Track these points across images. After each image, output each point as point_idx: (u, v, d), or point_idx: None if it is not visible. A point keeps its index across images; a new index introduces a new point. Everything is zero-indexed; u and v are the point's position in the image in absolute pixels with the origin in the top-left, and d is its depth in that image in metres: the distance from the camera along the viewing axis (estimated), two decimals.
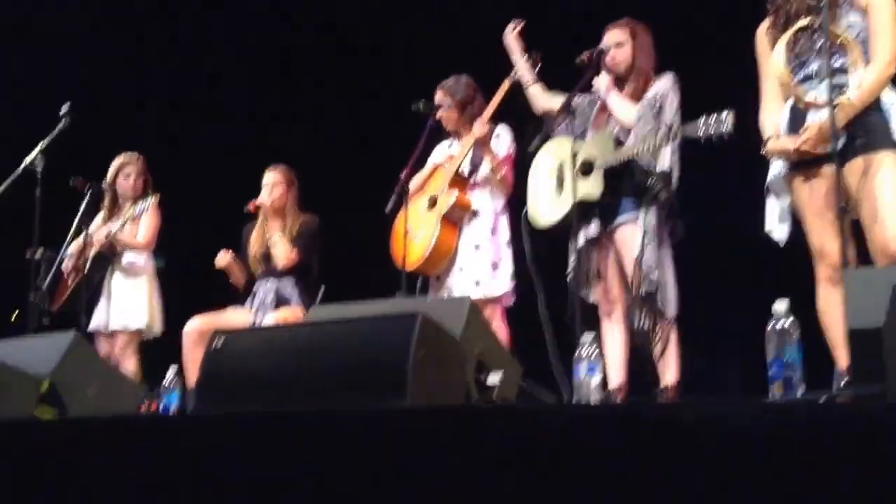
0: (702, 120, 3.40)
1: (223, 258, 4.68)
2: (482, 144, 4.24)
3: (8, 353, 3.07)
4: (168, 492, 2.12)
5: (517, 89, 4.24)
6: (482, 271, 4.16)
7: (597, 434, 1.73)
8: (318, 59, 6.22)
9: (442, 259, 4.21)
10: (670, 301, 3.60)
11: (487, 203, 4.27)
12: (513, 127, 4.36)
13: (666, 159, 3.61)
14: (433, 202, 4.30)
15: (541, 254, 3.84)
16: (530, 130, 3.80)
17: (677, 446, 1.62)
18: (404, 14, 5.82)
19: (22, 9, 6.23)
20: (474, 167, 4.33)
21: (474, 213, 4.25)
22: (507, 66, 4.28)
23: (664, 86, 3.68)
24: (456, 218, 4.23)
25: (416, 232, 4.24)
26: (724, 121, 3.33)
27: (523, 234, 3.87)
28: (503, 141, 4.31)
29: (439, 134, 4.45)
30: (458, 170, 4.29)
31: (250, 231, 4.83)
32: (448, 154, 4.44)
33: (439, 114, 4.33)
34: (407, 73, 5.52)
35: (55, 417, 2.95)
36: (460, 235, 4.23)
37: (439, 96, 4.36)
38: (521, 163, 4.10)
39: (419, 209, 4.33)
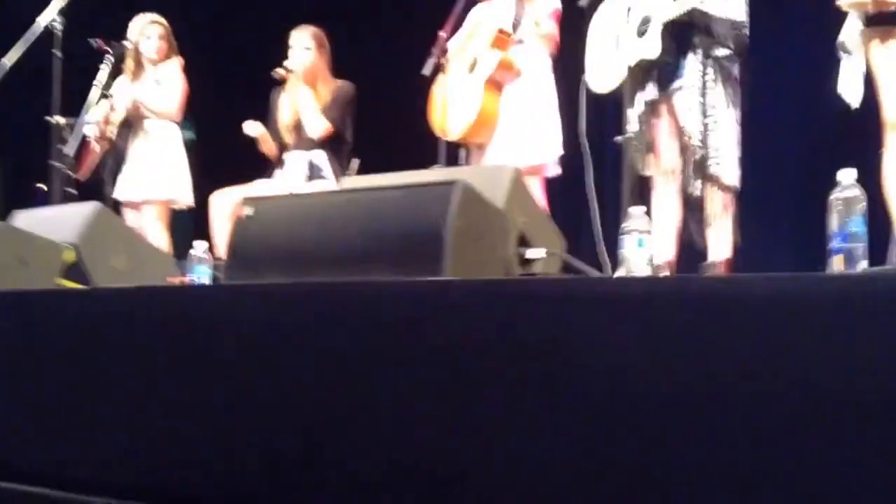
0: None
1: (254, 128, 4.55)
2: None
3: (32, 223, 3.05)
4: (196, 366, 2.10)
5: None
6: (525, 138, 3.99)
7: (639, 310, 1.66)
8: None
9: (486, 126, 4.03)
10: (728, 167, 3.43)
11: (531, 63, 4.06)
12: None
13: (731, 8, 3.40)
14: (474, 64, 4.10)
15: (594, 123, 3.67)
16: None
17: (726, 323, 1.54)
18: None
19: None
20: (516, 23, 4.09)
21: (517, 74, 4.05)
22: None
23: None
24: (500, 80, 4.03)
25: (456, 98, 4.08)
26: None
27: (580, 102, 3.67)
28: None
29: None
30: (500, 27, 4.06)
31: (278, 97, 4.69)
32: (488, 10, 4.20)
33: None
34: None
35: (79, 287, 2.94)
36: (504, 98, 4.03)
37: None
38: (574, 20, 3.87)
39: (459, 73, 4.15)
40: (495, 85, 4.03)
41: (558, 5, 4.06)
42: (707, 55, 3.44)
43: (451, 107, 4.05)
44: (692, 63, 3.47)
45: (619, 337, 1.65)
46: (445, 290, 1.95)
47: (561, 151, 4.03)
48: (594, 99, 3.70)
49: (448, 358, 1.82)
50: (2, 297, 2.59)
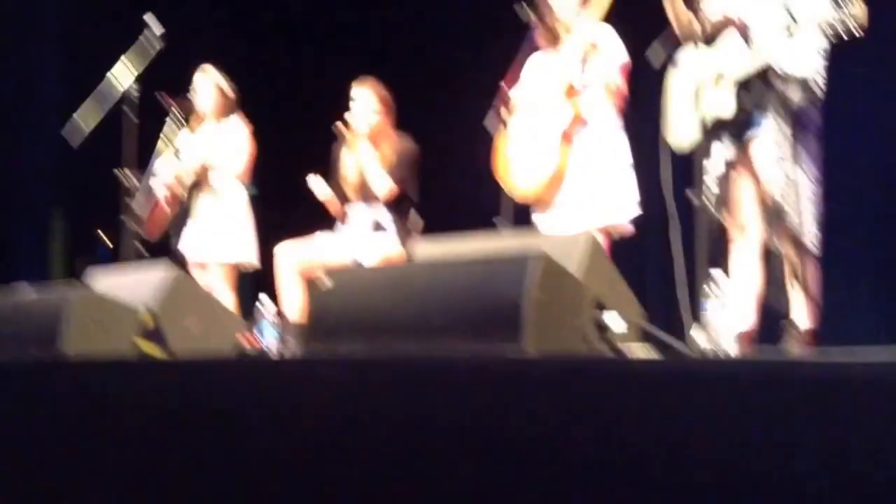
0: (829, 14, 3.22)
1: (319, 187, 4.61)
2: (593, 48, 3.96)
3: (110, 284, 3.20)
4: (274, 434, 2.19)
5: None
6: (593, 196, 3.94)
7: (718, 391, 1.70)
8: None
9: (559, 184, 3.98)
10: (807, 225, 3.43)
11: (600, 117, 4.00)
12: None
13: (804, 64, 3.43)
14: (545, 118, 4.05)
15: (675, 181, 3.66)
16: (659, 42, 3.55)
17: (811, 407, 1.58)
18: None
19: None
20: (583, 75, 4.04)
21: (590, 131, 3.99)
22: None
23: None
24: (572, 135, 3.98)
25: (526, 152, 4.05)
26: (854, 14, 3.14)
27: (661, 159, 3.63)
28: (616, 45, 4.02)
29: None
30: (571, 81, 4.01)
31: (340, 153, 4.72)
32: (547, 64, 4.15)
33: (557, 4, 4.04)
34: None
35: (157, 352, 3.06)
36: (574, 154, 3.98)
37: None
38: (649, 78, 3.90)
39: (527, 127, 4.11)
40: (569, 140, 3.99)
41: (626, 59, 4.03)
42: (783, 111, 3.47)
43: (519, 161, 4.05)
44: (769, 119, 3.51)
45: (707, 418, 1.70)
46: (525, 366, 2.01)
47: (638, 211, 4.00)
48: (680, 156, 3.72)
49: (525, 433, 1.88)
50: (84, 364, 2.72)
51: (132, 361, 2.80)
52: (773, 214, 3.48)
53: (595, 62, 4.00)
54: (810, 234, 3.46)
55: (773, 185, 3.46)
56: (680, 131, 3.71)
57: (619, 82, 4.00)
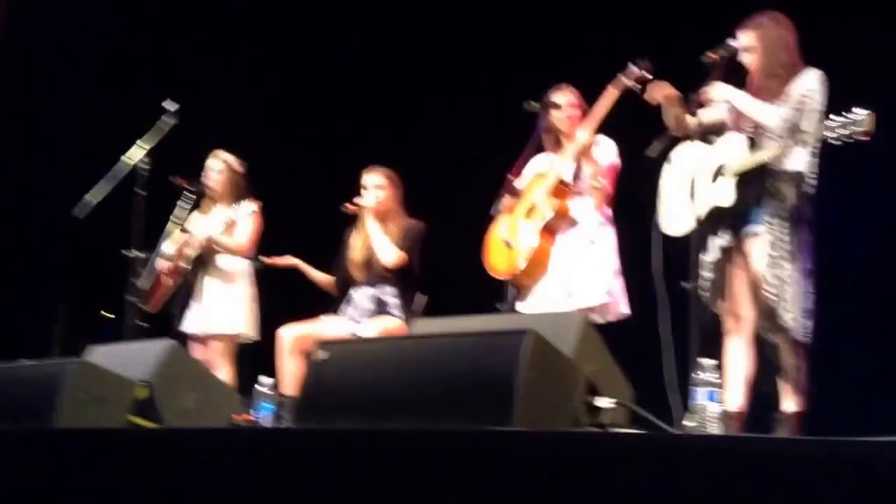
0: (834, 120, 3.29)
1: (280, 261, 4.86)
2: (585, 153, 4.19)
3: (107, 358, 3.19)
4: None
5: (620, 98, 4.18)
6: (575, 282, 4.13)
7: (713, 468, 1.70)
8: (415, 60, 6.28)
9: (540, 271, 4.19)
10: (797, 320, 3.48)
11: (587, 213, 4.24)
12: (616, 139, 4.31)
13: (799, 161, 3.52)
14: (530, 210, 4.27)
15: (666, 269, 3.74)
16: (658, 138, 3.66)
17: (797, 488, 1.58)
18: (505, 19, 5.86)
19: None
20: (575, 176, 4.27)
21: (573, 223, 4.22)
22: (610, 72, 4.20)
23: (809, 85, 3.56)
24: (555, 228, 4.21)
25: (513, 241, 4.25)
26: (860, 121, 3.20)
27: (653, 247, 3.76)
28: (606, 150, 4.27)
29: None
30: (560, 178, 4.24)
31: (349, 236, 4.84)
32: (548, 162, 4.39)
33: (564, 112, 4.29)
34: (503, 76, 5.55)
35: (151, 426, 3.04)
36: (556, 244, 4.20)
37: (566, 97, 4.32)
38: (641, 170, 4.00)
39: (515, 218, 4.33)
40: (550, 232, 4.21)
41: (616, 160, 4.27)
42: (781, 209, 3.53)
43: (503, 247, 4.22)
44: (767, 217, 3.57)
45: (691, 494, 1.69)
46: (515, 440, 2.01)
47: (610, 298, 4.14)
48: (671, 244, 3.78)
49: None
50: (78, 435, 2.70)
51: (124, 431, 2.78)
52: (767, 309, 3.50)
53: (587, 164, 4.21)
54: (801, 326, 3.48)
55: (768, 283, 3.50)
56: (674, 221, 3.79)
57: (606, 182, 4.22)
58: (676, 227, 3.77)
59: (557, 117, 4.32)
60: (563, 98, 4.32)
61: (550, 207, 4.19)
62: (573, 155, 4.23)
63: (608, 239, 4.24)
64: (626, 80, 4.14)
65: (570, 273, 4.14)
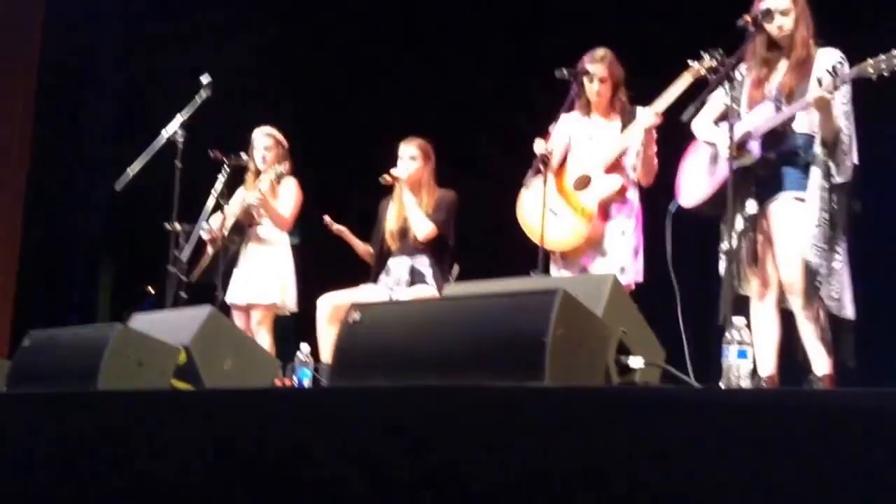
0: (870, 60, 3.22)
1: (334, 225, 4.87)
2: (648, 134, 4.08)
3: (147, 325, 3.21)
4: (301, 465, 2.16)
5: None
6: (627, 258, 4.11)
7: (745, 422, 1.66)
8: (450, 30, 6.25)
9: (593, 244, 4.14)
10: (840, 293, 3.39)
11: (633, 191, 4.21)
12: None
13: (836, 121, 3.40)
14: (584, 182, 4.19)
15: (689, 239, 3.70)
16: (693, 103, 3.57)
17: (827, 436, 1.54)
18: None
19: None
20: (624, 151, 4.20)
21: (623, 200, 4.18)
22: (686, 53, 4.07)
23: (831, 62, 3.47)
24: (611, 202, 4.16)
25: (560, 210, 4.17)
26: None
27: (667, 231, 3.74)
28: (649, 129, 4.15)
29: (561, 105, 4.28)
30: (620, 153, 4.17)
31: (386, 206, 4.88)
32: (583, 131, 4.31)
33: (595, 89, 4.21)
34: (539, 41, 5.49)
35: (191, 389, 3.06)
36: (608, 220, 4.16)
37: (599, 70, 4.20)
38: (675, 137, 3.94)
39: (563, 186, 4.24)
40: (605, 207, 4.16)
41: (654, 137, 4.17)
42: (809, 167, 3.45)
43: (555, 217, 4.13)
44: (793, 175, 3.50)
45: (721, 447, 1.66)
46: (545, 396, 1.98)
47: (638, 279, 4.15)
48: (685, 214, 3.74)
49: (546, 463, 1.84)
50: (120, 396, 2.72)
51: (165, 393, 2.80)
52: (795, 278, 3.43)
53: (646, 145, 4.12)
54: (843, 300, 3.40)
55: (800, 249, 3.42)
56: (691, 192, 3.76)
57: (654, 161, 4.14)
58: (695, 196, 3.71)
59: (598, 90, 4.22)
60: (595, 69, 4.20)
61: (613, 185, 4.13)
62: (636, 134, 4.12)
63: (641, 213, 4.23)
64: (700, 69, 4.00)
65: (620, 251, 4.12)
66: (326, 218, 4.99)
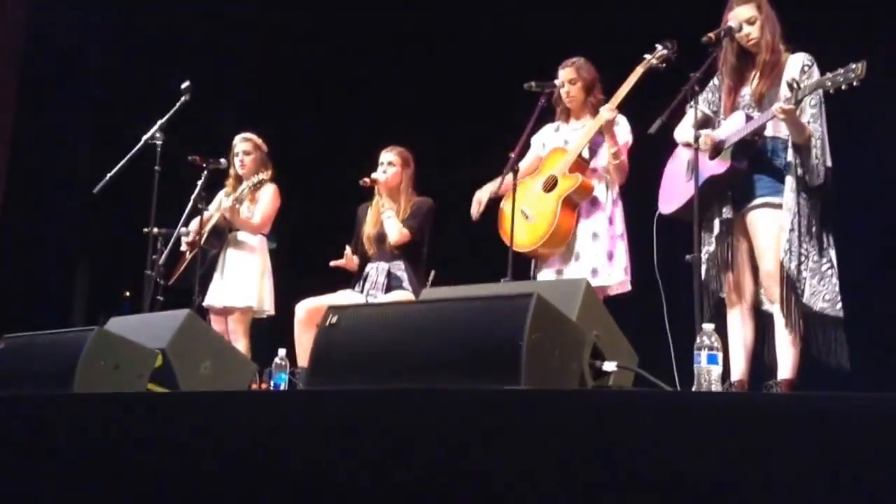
0: (828, 74, 3.25)
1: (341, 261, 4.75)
2: (607, 130, 4.12)
3: (124, 328, 3.17)
4: (276, 467, 2.14)
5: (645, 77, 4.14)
6: (599, 261, 4.09)
7: (711, 422, 1.66)
8: (426, 42, 6.25)
9: (560, 242, 4.12)
10: (818, 294, 3.40)
11: (604, 191, 4.19)
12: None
13: (806, 127, 3.41)
14: (551, 184, 4.20)
15: (670, 244, 3.69)
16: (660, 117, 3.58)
17: (789, 440, 1.54)
18: None
19: None
20: (593, 153, 4.23)
21: (593, 201, 4.17)
22: (635, 52, 4.15)
23: (799, 67, 3.50)
24: (576, 202, 4.14)
25: (531, 213, 4.18)
26: (856, 69, 3.15)
27: (654, 236, 3.72)
28: (623, 128, 4.21)
29: (544, 116, 4.34)
30: (580, 154, 4.18)
31: (365, 211, 4.87)
32: (558, 137, 4.35)
33: (565, 91, 4.26)
34: (507, 53, 5.51)
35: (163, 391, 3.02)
36: (578, 221, 4.15)
37: (568, 73, 4.27)
38: (644, 150, 3.96)
39: (533, 190, 4.26)
40: (571, 206, 4.14)
41: (630, 138, 4.20)
42: (784, 174, 3.46)
43: (524, 221, 4.15)
44: (767, 182, 3.51)
45: (687, 447, 1.65)
46: (522, 399, 1.96)
47: (627, 275, 4.12)
48: (669, 220, 3.74)
49: (523, 465, 1.82)
50: (96, 399, 2.68)
51: (140, 396, 2.76)
52: (775, 282, 3.43)
53: (607, 142, 4.14)
54: (815, 296, 3.40)
55: (776, 254, 3.42)
56: (669, 199, 3.76)
57: (624, 160, 4.16)
58: (672, 204, 3.72)
59: (568, 94, 4.27)
60: (564, 73, 4.27)
61: (573, 182, 4.12)
62: (592, 131, 4.16)
63: (621, 216, 4.20)
64: (653, 60, 4.08)
65: (593, 252, 4.09)
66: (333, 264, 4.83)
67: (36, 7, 6.44)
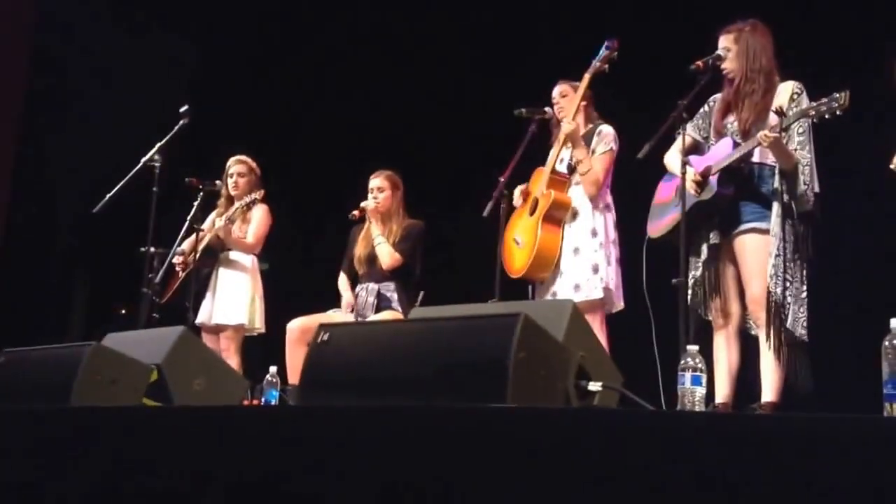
0: (812, 103, 3.28)
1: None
2: (572, 141, 4.12)
3: (120, 344, 3.18)
4: (267, 483, 2.14)
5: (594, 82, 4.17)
6: (581, 275, 4.03)
7: (697, 443, 1.68)
8: (419, 64, 6.29)
9: (548, 263, 4.07)
10: (798, 321, 3.42)
11: (585, 202, 4.13)
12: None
13: (793, 154, 3.43)
14: (534, 206, 4.21)
15: (659, 268, 3.70)
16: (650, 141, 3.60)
17: (771, 460, 1.56)
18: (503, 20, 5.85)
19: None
20: (573, 167, 4.20)
21: (574, 214, 4.13)
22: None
23: (788, 94, 3.51)
24: (556, 218, 4.11)
25: (521, 240, 4.19)
26: (839, 98, 3.17)
27: (644, 258, 3.75)
28: (604, 138, 4.18)
29: (542, 141, 4.36)
30: (553, 169, 4.19)
31: (357, 234, 4.89)
32: (552, 158, 4.32)
33: (558, 108, 4.27)
34: (505, 77, 5.54)
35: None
36: (563, 237, 4.10)
37: (560, 88, 4.31)
38: (634, 174, 3.97)
39: (524, 217, 4.26)
40: (552, 222, 4.11)
41: (613, 146, 4.17)
42: (770, 200, 3.48)
43: (515, 246, 4.17)
44: (753, 208, 3.53)
45: (668, 468, 1.67)
46: (508, 416, 1.98)
47: (615, 289, 4.08)
48: (659, 243, 3.76)
49: (509, 482, 1.84)
50: (94, 413, 2.68)
51: (136, 410, 2.76)
52: (761, 306, 3.45)
53: (575, 152, 4.15)
54: (800, 327, 3.43)
55: (763, 280, 3.44)
56: (657, 223, 3.78)
57: (597, 167, 4.12)
58: (656, 229, 3.74)
59: (555, 109, 4.29)
60: (555, 91, 4.31)
61: (547, 199, 4.11)
62: (559, 146, 4.18)
63: (608, 227, 4.14)
64: (596, 63, 4.11)
65: (576, 266, 4.05)
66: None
67: (40, 29, 6.47)
